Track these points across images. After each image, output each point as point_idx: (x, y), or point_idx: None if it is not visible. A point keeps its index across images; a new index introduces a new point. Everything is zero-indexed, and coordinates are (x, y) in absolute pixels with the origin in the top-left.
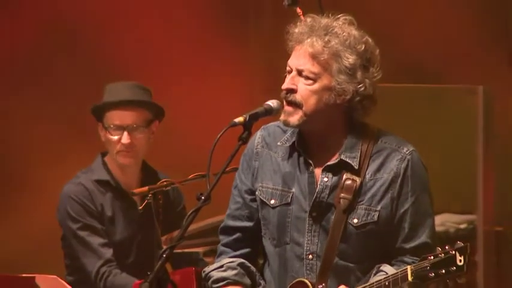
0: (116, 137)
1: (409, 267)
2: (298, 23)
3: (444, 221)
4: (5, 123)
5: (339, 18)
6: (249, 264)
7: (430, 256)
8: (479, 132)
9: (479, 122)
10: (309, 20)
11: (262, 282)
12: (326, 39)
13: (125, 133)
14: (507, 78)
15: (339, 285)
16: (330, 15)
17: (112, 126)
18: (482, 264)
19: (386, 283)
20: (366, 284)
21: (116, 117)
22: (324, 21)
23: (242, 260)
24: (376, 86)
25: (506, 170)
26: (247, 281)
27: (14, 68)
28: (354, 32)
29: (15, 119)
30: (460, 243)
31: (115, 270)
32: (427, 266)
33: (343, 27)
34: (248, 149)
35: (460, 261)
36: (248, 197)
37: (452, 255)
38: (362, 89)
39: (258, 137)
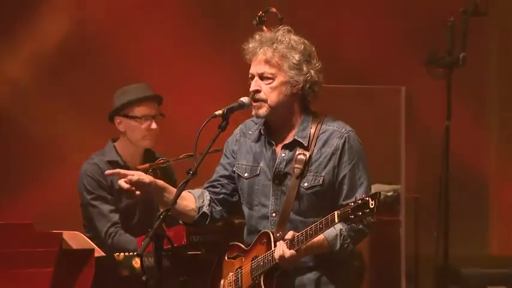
0: (144, 125)
1: (336, 212)
2: (251, 40)
3: (376, 190)
4: (40, 116)
5: (279, 29)
6: (209, 194)
7: (351, 203)
8: (402, 123)
9: (402, 114)
10: (257, 37)
11: (207, 209)
12: (274, 47)
13: (153, 121)
14: (424, 79)
15: None
16: (272, 29)
17: (142, 116)
18: (404, 222)
19: (321, 225)
20: (307, 228)
21: (145, 109)
22: (268, 34)
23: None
24: (320, 74)
25: (422, 151)
26: (200, 200)
27: (43, 69)
28: (293, 37)
29: (47, 114)
30: (372, 191)
31: (120, 231)
32: (348, 210)
33: (284, 35)
34: (231, 138)
35: (372, 204)
36: (223, 171)
37: (366, 201)
38: (309, 77)
39: (238, 129)
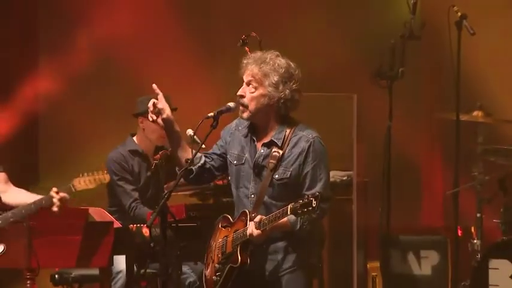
0: (162, 131)
1: (289, 206)
2: (246, 57)
3: (333, 175)
4: (71, 116)
5: (269, 52)
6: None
7: (300, 200)
8: (354, 123)
9: (354, 116)
10: (252, 55)
11: (195, 168)
12: (260, 66)
13: None
14: (371, 88)
15: (265, 214)
16: (265, 51)
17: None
18: (356, 200)
19: (279, 215)
20: (270, 215)
21: None
22: (260, 55)
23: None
24: (295, 93)
25: (370, 145)
26: (197, 160)
27: (76, 85)
28: (279, 61)
29: (75, 114)
30: (316, 193)
31: (140, 205)
32: (298, 206)
33: (271, 57)
34: (228, 128)
35: (314, 203)
36: (217, 150)
37: (310, 201)
38: (283, 95)
39: (234, 122)
